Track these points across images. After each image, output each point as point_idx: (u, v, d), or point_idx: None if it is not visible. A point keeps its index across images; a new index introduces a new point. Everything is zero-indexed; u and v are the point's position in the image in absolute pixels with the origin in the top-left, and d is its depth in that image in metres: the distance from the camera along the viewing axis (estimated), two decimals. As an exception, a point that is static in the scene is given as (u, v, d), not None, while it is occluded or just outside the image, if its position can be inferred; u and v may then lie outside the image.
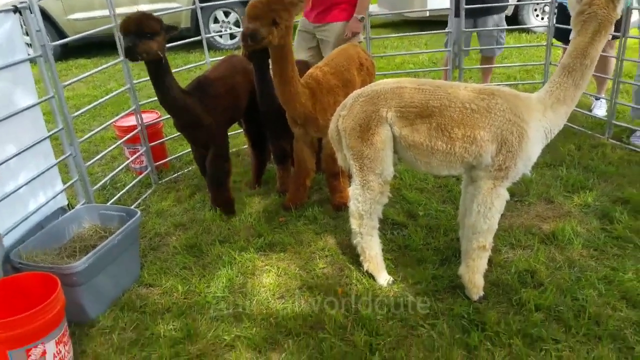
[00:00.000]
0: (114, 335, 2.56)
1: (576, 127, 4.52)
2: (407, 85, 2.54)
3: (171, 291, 2.86)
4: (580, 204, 3.41)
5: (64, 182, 3.24)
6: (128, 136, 3.99)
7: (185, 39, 4.37)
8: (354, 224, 2.78)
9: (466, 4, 4.66)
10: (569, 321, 2.44)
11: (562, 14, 4.47)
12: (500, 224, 2.58)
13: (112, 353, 2.46)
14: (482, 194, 2.48)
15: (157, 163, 4.20)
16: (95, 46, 8.74)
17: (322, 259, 3.05)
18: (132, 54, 2.86)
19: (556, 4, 4.59)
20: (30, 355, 2.19)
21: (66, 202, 3.28)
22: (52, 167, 3.06)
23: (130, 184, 3.94)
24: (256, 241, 3.26)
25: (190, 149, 3.95)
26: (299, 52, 4.28)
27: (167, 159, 4.41)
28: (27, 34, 2.98)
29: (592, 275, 2.73)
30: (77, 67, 8.35)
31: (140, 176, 4.07)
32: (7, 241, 2.67)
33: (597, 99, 4.91)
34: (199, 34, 4.37)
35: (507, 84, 5.30)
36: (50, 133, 3.08)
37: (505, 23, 5.13)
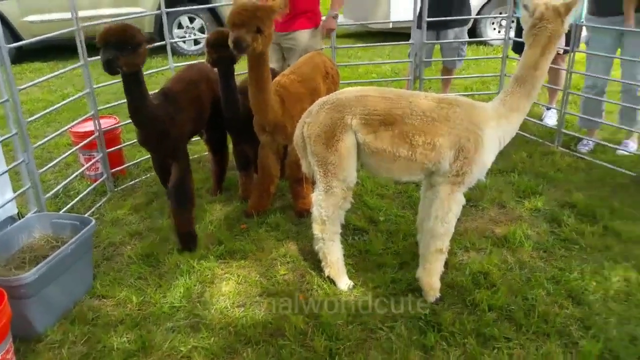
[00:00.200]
0: (63, 350, 2.46)
1: (528, 135, 4.71)
2: (371, 94, 2.61)
3: (125, 302, 2.78)
4: (530, 208, 3.55)
5: (15, 190, 3.11)
6: (84, 142, 3.88)
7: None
8: (316, 229, 2.80)
9: (428, 17, 4.79)
10: (520, 320, 2.53)
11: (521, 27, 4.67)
12: (456, 228, 2.66)
13: (61, 368, 2.37)
14: (440, 198, 2.56)
15: (114, 170, 4.10)
16: (52, 49, 8.47)
17: (284, 266, 3.05)
18: (112, 67, 2.69)
19: (514, 18, 4.78)
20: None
21: (16, 211, 3.16)
22: (3, 174, 2.94)
23: (85, 192, 3.82)
24: (216, 249, 3.21)
25: (149, 156, 3.87)
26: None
27: (124, 166, 4.30)
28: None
29: (541, 275, 2.85)
30: (31, 70, 8.07)
31: (95, 184, 3.96)
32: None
33: (548, 108, 5.14)
34: (162, 39, 4.32)
35: (464, 94, 5.46)
36: (3, 138, 2.96)
37: (467, 36, 5.30)
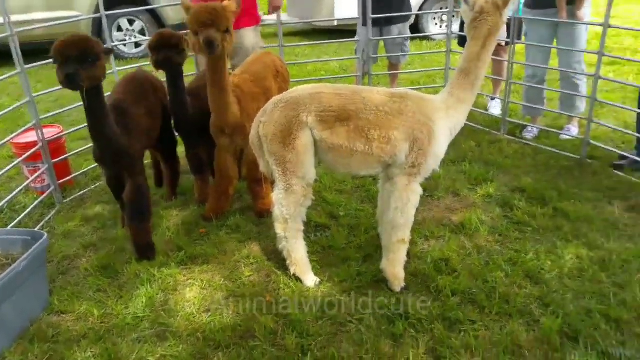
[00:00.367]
0: (24, 371, 2.35)
1: (475, 125, 4.88)
2: (324, 91, 2.62)
3: (86, 316, 2.67)
4: (483, 195, 3.69)
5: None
6: (28, 154, 3.68)
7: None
8: (279, 228, 2.79)
9: (372, 14, 4.86)
10: (482, 302, 2.62)
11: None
12: (415, 218, 2.72)
13: (23, 389, 2.26)
14: (398, 190, 2.62)
15: (61, 181, 3.90)
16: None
17: (248, 267, 3.02)
18: (74, 82, 2.54)
19: (454, 14, 4.94)
20: None
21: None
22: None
23: (32, 206, 3.63)
24: (176, 255, 3.14)
25: (96, 165, 3.72)
26: None
27: (71, 176, 4.11)
28: None
29: (499, 258, 2.95)
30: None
31: (43, 196, 3.76)
32: None
33: (492, 99, 5.35)
34: (102, 43, 4.14)
35: (412, 89, 5.59)
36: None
37: (409, 32, 5.44)
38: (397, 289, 2.73)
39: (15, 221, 3.42)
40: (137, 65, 4.98)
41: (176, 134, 3.75)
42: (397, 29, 5.26)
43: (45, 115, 3.89)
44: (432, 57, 7.48)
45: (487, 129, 4.83)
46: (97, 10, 7.68)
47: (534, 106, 4.64)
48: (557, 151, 4.27)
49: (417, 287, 2.76)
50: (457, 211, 3.50)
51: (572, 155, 4.18)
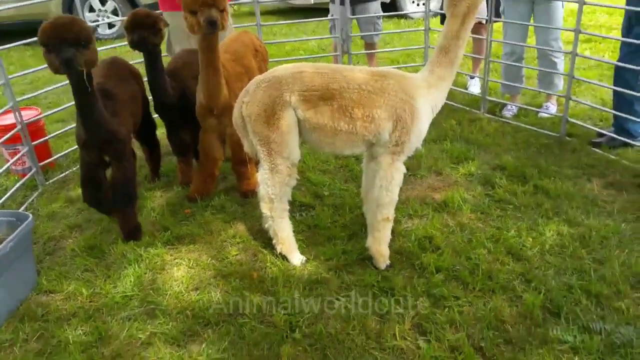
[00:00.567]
0: (15, 349, 2.38)
1: (455, 104, 4.93)
2: (306, 70, 2.62)
3: (75, 295, 2.70)
4: (465, 173, 3.75)
5: None
6: (7, 136, 3.63)
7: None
8: (264, 208, 2.81)
9: None
10: (466, 279, 2.67)
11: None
12: (399, 197, 2.76)
13: (15, 367, 2.27)
14: (382, 169, 2.66)
15: (42, 163, 3.87)
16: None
17: (234, 246, 3.05)
18: (72, 67, 2.45)
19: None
20: None
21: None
22: None
23: (14, 188, 3.59)
24: (162, 235, 3.16)
25: (76, 147, 3.67)
26: (185, 44, 4.14)
27: (52, 158, 4.07)
28: None
29: (481, 235, 3.02)
30: None
31: (24, 178, 3.73)
32: None
33: (472, 77, 5.39)
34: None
35: (392, 67, 5.61)
36: None
37: (381, 10, 5.43)
38: (383, 266, 2.78)
39: (-2, 203, 3.39)
40: (112, 46, 4.90)
41: (156, 116, 3.71)
42: (371, 7, 5.26)
43: (22, 98, 3.82)
44: (411, 36, 7.48)
45: (467, 108, 4.88)
46: None
47: (513, 84, 4.70)
48: (536, 129, 4.34)
49: (402, 265, 2.82)
50: (440, 190, 3.56)
51: (551, 133, 4.25)
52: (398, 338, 2.35)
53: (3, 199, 3.43)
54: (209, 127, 3.38)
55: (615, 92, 4.01)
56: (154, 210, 3.44)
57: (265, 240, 3.00)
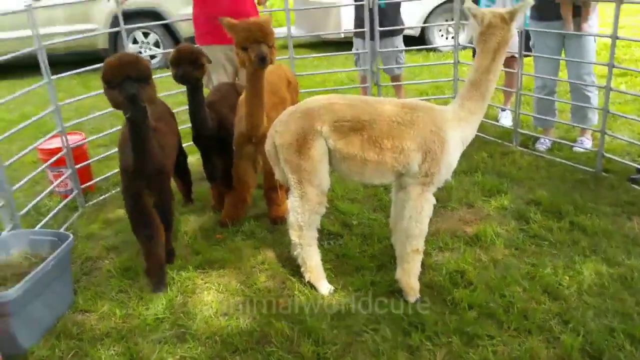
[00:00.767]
0: (51, 366, 2.44)
1: (487, 136, 4.88)
2: (338, 101, 2.70)
3: (109, 316, 2.76)
4: (497, 206, 3.68)
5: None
6: (53, 159, 3.83)
7: (103, 61, 4.24)
8: (293, 235, 2.84)
9: (362, 28, 5.01)
10: (500, 317, 2.58)
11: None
12: (428, 229, 2.74)
13: (50, 384, 2.34)
14: (412, 199, 2.67)
15: (84, 185, 4.04)
16: (6, 68, 8.18)
17: (263, 273, 3.08)
18: (137, 103, 2.50)
19: (461, 25, 5.01)
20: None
21: (-10, 230, 3.09)
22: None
23: (56, 208, 3.75)
24: (194, 259, 3.22)
25: (117, 170, 3.81)
26: (222, 77, 4.30)
27: (93, 181, 4.25)
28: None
29: (516, 272, 2.91)
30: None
31: (66, 200, 3.89)
32: None
33: (503, 110, 5.37)
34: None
35: (421, 99, 5.64)
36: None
37: (403, 44, 5.53)
38: (412, 299, 2.74)
39: (42, 222, 3.52)
40: (156, 76, 5.09)
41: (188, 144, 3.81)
42: (393, 41, 5.37)
43: (69, 124, 4.01)
44: (440, 68, 7.51)
45: (499, 140, 4.83)
46: (113, 23, 8.01)
47: (546, 117, 4.65)
48: (571, 164, 4.25)
49: (433, 299, 2.74)
50: (472, 223, 3.51)
51: (586, 168, 4.15)
52: (429, 375, 2.29)
53: (46, 218, 3.58)
54: (245, 154, 3.47)
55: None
56: (187, 234, 3.52)
57: (294, 267, 3.01)
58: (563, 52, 4.45)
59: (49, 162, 3.83)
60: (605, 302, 2.69)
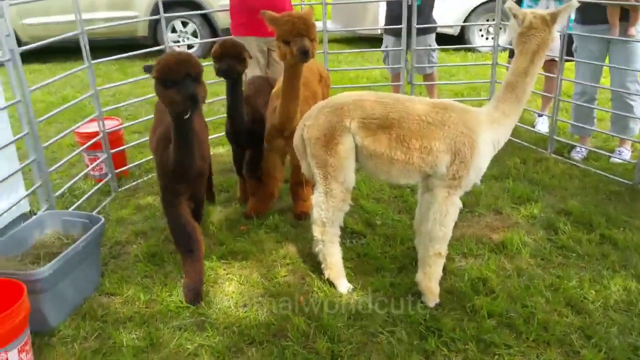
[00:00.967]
0: (75, 345, 2.53)
1: (520, 141, 4.77)
2: (368, 98, 2.69)
3: (133, 300, 2.85)
4: (526, 215, 3.61)
5: (25, 189, 3.19)
6: (90, 142, 3.95)
7: (142, 48, 4.35)
8: (316, 231, 2.86)
9: (395, 25, 4.94)
10: (520, 327, 2.54)
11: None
12: (453, 234, 2.71)
13: (73, 363, 2.43)
14: (437, 202, 2.64)
15: (117, 170, 4.15)
16: (47, 51, 8.49)
17: (284, 267, 3.11)
18: (196, 102, 2.41)
19: (501, 26, 4.88)
20: (-9, 364, 2.14)
21: (28, 209, 3.23)
22: (17, 171, 3.02)
23: (90, 191, 3.87)
24: (218, 250, 3.27)
25: (151, 157, 3.91)
26: (255, 69, 4.33)
27: (127, 167, 4.36)
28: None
29: (540, 283, 2.87)
30: (30, 72, 8.04)
31: (100, 183, 4.01)
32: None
33: (540, 115, 5.23)
34: (155, 43, 4.36)
35: (455, 100, 5.55)
36: (17, 137, 3.04)
37: (435, 43, 5.42)
38: (432, 304, 2.72)
39: (76, 205, 3.65)
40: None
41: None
42: (426, 39, 5.27)
43: (106, 109, 4.13)
44: (477, 69, 7.37)
45: (534, 147, 4.72)
46: (153, 11, 8.19)
47: (583, 125, 4.51)
48: (607, 175, 4.13)
49: (452, 305, 2.73)
50: (498, 230, 3.44)
51: (623, 180, 4.02)
52: (442, 381, 2.28)
53: (80, 201, 3.71)
54: (275, 148, 3.48)
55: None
56: (212, 224, 3.58)
57: (315, 264, 3.03)
58: (607, 58, 4.30)
59: (85, 145, 3.96)
60: (632, 319, 2.62)
